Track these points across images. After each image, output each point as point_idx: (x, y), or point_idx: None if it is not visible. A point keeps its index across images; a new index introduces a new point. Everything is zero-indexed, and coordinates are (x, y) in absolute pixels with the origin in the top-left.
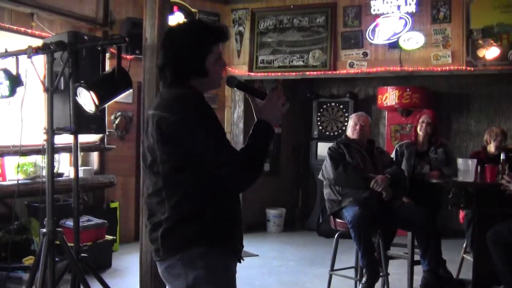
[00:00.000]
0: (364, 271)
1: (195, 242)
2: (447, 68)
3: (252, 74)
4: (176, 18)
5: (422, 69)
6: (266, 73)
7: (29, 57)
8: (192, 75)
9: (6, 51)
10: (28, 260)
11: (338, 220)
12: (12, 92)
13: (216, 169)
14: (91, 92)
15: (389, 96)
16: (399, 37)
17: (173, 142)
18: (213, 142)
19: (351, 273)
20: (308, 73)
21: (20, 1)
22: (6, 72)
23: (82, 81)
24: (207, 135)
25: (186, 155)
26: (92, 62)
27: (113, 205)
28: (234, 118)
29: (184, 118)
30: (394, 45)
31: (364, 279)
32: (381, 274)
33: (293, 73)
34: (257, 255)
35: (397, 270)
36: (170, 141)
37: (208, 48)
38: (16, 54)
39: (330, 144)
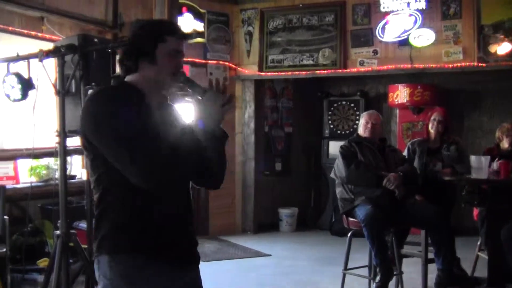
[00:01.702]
0: (377, 270)
1: (101, 248)
2: (458, 64)
3: (262, 73)
4: (185, 19)
5: (433, 66)
6: (276, 73)
7: (40, 60)
8: (141, 58)
9: (17, 55)
10: (43, 262)
11: (350, 219)
12: (24, 95)
13: (120, 166)
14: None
15: (400, 94)
16: (409, 34)
17: (83, 139)
18: (114, 137)
19: (365, 272)
20: (318, 72)
21: (30, 5)
22: (18, 76)
23: (93, 84)
24: (106, 132)
25: (91, 153)
26: (103, 65)
27: None
28: (245, 118)
29: (85, 114)
30: (404, 43)
31: (377, 278)
32: (394, 272)
33: (303, 72)
34: (270, 255)
35: (410, 269)
36: (82, 138)
37: (160, 35)
38: (28, 58)
39: (341, 143)
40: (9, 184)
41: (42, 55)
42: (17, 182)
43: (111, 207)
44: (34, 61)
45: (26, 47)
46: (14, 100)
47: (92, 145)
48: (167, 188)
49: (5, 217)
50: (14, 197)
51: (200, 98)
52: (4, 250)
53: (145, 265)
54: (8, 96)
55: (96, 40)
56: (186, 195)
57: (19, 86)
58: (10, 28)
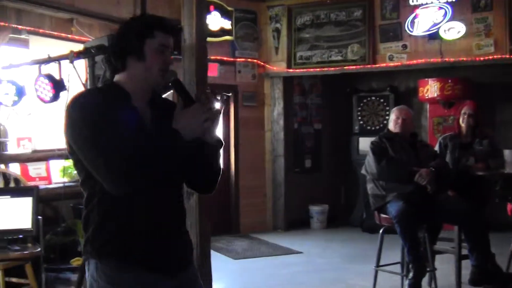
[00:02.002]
0: (410, 266)
1: (87, 252)
2: (490, 57)
3: (291, 70)
4: (213, 17)
5: (464, 59)
6: (304, 69)
7: (71, 61)
8: (129, 55)
9: (48, 56)
10: (76, 261)
11: (382, 215)
12: (56, 96)
13: (93, 170)
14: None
15: (430, 88)
16: (439, 27)
17: (66, 143)
18: (87, 142)
19: (397, 268)
20: (347, 67)
21: (60, 8)
22: (50, 77)
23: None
24: (81, 139)
25: (74, 157)
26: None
27: None
28: (274, 115)
29: (65, 119)
30: (434, 36)
31: (410, 275)
32: (428, 269)
33: (332, 68)
34: (301, 252)
35: (444, 265)
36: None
37: (148, 31)
38: (58, 59)
39: (371, 139)
40: (42, 185)
41: (73, 56)
42: (50, 183)
43: (95, 210)
44: (64, 63)
45: (57, 49)
46: (46, 101)
47: (73, 149)
48: (150, 194)
49: (39, 217)
50: (47, 197)
51: (183, 106)
52: (39, 249)
53: (127, 270)
54: (40, 97)
55: None
56: (175, 198)
57: (51, 87)
58: (40, 30)
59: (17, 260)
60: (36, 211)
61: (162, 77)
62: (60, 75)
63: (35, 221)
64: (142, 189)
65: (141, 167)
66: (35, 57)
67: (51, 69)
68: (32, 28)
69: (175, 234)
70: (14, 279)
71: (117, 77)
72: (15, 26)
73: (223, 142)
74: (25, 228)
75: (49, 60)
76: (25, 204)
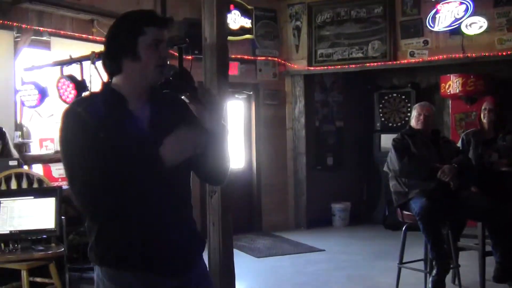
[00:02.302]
0: (434, 263)
1: (91, 257)
2: None
3: (312, 68)
4: (233, 16)
5: (486, 54)
6: (325, 67)
7: (93, 62)
8: (124, 57)
9: (70, 57)
10: None
11: (405, 212)
12: (78, 97)
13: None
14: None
15: (452, 84)
16: (461, 22)
17: None
18: (63, 159)
19: (420, 265)
20: (368, 64)
21: (81, 9)
22: (72, 78)
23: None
24: (65, 151)
25: None
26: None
27: None
28: (295, 113)
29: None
30: (456, 32)
31: (434, 272)
32: (451, 266)
33: (353, 66)
34: (324, 250)
35: (468, 262)
36: None
37: (139, 28)
38: (80, 60)
39: (393, 136)
40: (65, 185)
41: (94, 57)
42: None
43: (93, 224)
44: (86, 63)
45: (78, 50)
46: (68, 102)
47: None
48: (149, 200)
49: (62, 217)
50: (70, 197)
51: (193, 97)
52: (62, 249)
53: (128, 273)
54: (62, 98)
55: None
56: (177, 200)
57: (73, 88)
58: (62, 32)
59: (41, 260)
60: (59, 212)
61: (160, 73)
62: (82, 76)
63: (58, 221)
64: (140, 196)
65: (107, 198)
66: (57, 58)
67: (73, 70)
68: (53, 30)
69: (177, 236)
70: (38, 279)
71: (114, 80)
72: (37, 28)
73: (228, 129)
74: (48, 228)
75: (71, 61)
76: (49, 205)
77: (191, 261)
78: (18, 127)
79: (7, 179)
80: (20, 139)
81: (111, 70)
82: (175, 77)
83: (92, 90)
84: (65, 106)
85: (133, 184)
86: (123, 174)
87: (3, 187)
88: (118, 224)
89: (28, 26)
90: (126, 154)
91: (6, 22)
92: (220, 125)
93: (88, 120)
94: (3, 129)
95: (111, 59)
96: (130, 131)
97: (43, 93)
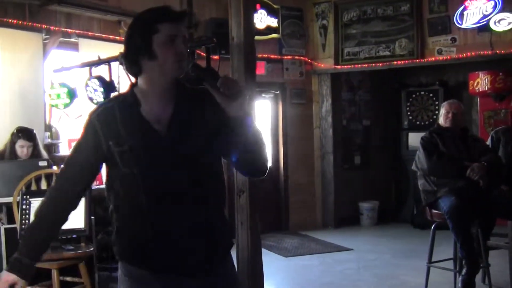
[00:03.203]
0: (463, 262)
1: (115, 253)
2: None
3: (338, 67)
4: (259, 16)
5: None
6: (352, 65)
7: (121, 63)
8: (141, 58)
9: (99, 58)
10: None
11: (434, 211)
12: (107, 98)
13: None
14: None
15: (481, 82)
16: (489, 19)
17: None
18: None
19: (450, 265)
20: (395, 62)
21: (108, 10)
22: (100, 79)
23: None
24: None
25: None
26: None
27: None
28: (322, 112)
29: None
30: (484, 28)
31: (464, 271)
32: (481, 265)
33: (380, 64)
34: (352, 249)
35: (498, 261)
36: None
37: (152, 27)
38: (109, 61)
39: (421, 134)
40: (94, 185)
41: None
42: (101, 183)
43: (113, 217)
44: (114, 64)
45: (105, 51)
46: (97, 103)
47: None
48: (165, 200)
49: (92, 217)
50: (98, 197)
51: (212, 85)
52: (92, 249)
53: (144, 271)
54: (91, 99)
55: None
56: (194, 201)
57: (102, 89)
58: (90, 33)
59: (71, 259)
60: (88, 211)
61: (179, 68)
62: (110, 77)
63: (88, 221)
64: (152, 200)
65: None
66: (85, 59)
67: (101, 71)
68: (81, 31)
69: (195, 237)
70: (68, 278)
71: (139, 81)
72: (65, 29)
73: (250, 114)
74: (78, 228)
75: (99, 62)
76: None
77: (211, 263)
78: (47, 128)
79: (37, 180)
80: (49, 140)
81: (132, 72)
82: (194, 68)
83: (117, 93)
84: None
85: (142, 187)
86: (133, 184)
87: (33, 187)
88: (133, 221)
89: (57, 28)
90: (137, 160)
91: (35, 24)
92: (244, 111)
93: (97, 128)
94: (34, 131)
95: (129, 61)
96: (142, 134)
97: (72, 94)
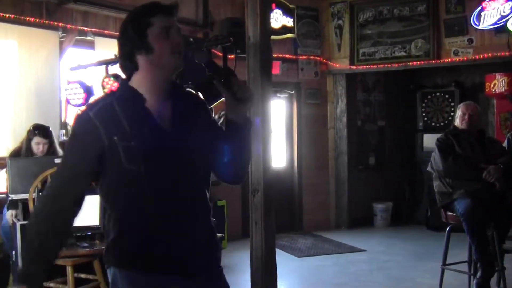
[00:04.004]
0: (478, 265)
1: (110, 261)
2: None
3: (354, 67)
4: (275, 15)
5: None
6: (367, 66)
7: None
8: (137, 53)
9: (115, 56)
10: None
11: (449, 213)
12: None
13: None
14: (199, 92)
15: (498, 83)
16: (507, 20)
17: None
18: (63, 160)
19: (464, 267)
20: (410, 63)
21: (124, 9)
22: (116, 77)
23: (189, 82)
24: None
25: None
26: (198, 63)
27: (220, 203)
28: (337, 112)
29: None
30: (502, 29)
31: (478, 274)
32: (496, 268)
33: (395, 65)
34: (365, 250)
35: None
36: None
37: (145, 21)
38: None
39: (436, 136)
40: None
41: None
42: None
43: (112, 220)
44: None
45: None
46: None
47: None
48: (167, 202)
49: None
50: None
51: (226, 81)
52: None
53: (147, 274)
54: None
55: (191, 39)
56: (194, 202)
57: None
58: (105, 31)
59: (85, 256)
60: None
61: (178, 59)
62: None
63: (102, 218)
64: (157, 200)
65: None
66: (101, 58)
67: (118, 69)
68: (97, 30)
69: (196, 237)
70: (82, 275)
71: (133, 78)
72: (81, 28)
73: (251, 121)
74: (93, 225)
75: (115, 60)
76: (93, 202)
77: (209, 264)
78: (63, 125)
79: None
80: (64, 137)
81: (128, 69)
82: (210, 65)
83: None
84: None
85: (148, 186)
86: (139, 181)
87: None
88: (138, 226)
89: (73, 26)
90: (143, 155)
91: (51, 22)
92: (245, 118)
93: (97, 125)
94: (50, 129)
95: (125, 58)
96: (149, 130)
97: (88, 92)
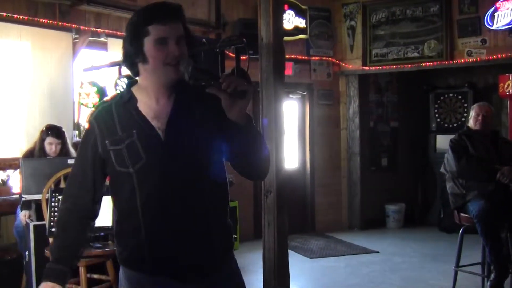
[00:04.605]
0: (491, 267)
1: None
2: None
3: (366, 68)
4: (287, 16)
5: None
6: (380, 67)
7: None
8: (136, 60)
9: None
10: None
11: (462, 214)
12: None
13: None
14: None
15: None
16: None
17: None
18: (73, 164)
19: (478, 269)
20: (423, 64)
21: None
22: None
23: (202, 84)
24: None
25: None
26: (211, 64)
27: (232, 204)
28: (349, 113)
29: None
30: None
31: (492, 276)
32: (510, 270)
33: (408, 65)
34: (378, 252)
35: None
36: None
37: (142, 29)
38: None
39: (449, 137)
40: None
41: None
42: None
43: (114, 220)
44: None
45: None
46: None
47: None
48: (163, 203)
49: None
50: None
51: (215, 86)
52: None
53: (141, 273)
54: None
55: (204, 40)
56: (194, 203)
57: None
58: (118, 32)
59: (98, 257)
60: None
61: (173, 71)
62: None
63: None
64: (147, 200)
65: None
66: (114, 59)
67: None
68: (110, 31)
69: (192, 241)
70: (95, 275)
71: (138, 79)
72: (94, 29)
73: (251, 117)
74: (106, 226)
75: None
76: (106, 203)
77: (206, 268)
78: (76, 126)
79: (66, 177)
80: (77, 138)
81: (132, 73)
82: (194, 70)
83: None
84: None
85: (138, 186)
86: (129, 183)
87: (62, 185)
88: (131, 226)
89: (86, 28)
90: (133, 158)
91: (65, 23)
92: (245, 116)
93: (95, 129)
94: (62, 129)
95: (127, 63)
96: (139, 131)
97: (101, 93)
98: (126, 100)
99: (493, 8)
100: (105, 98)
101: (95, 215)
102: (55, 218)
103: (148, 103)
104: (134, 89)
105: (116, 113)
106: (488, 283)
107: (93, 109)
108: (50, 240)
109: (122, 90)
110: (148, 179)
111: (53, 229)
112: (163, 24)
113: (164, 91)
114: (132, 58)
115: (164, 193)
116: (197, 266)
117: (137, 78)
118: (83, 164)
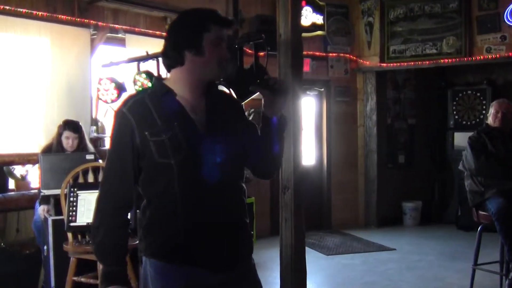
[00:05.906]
0: (510, 266)
1: (141, 250)
2: None
3: (384, 65)
4: (305, 13)
5: None
6: (398, 63)
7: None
8: (187, 50)
9: (147, 54)
10: None
11: (481, 212)
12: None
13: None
14: (231, 89)
15: None
16: None
17: None
18: (108, 157)
19: (496, 268)
20: (442, 61)
21: (154, 6)
22: (149, 74)
23: (221, 79)
24: (109, 149)
25: None
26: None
27: (249, 200)
28: (366, 110)
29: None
30: None
31: (510, 275)
32: None
33: (426, 62)
34: (394, 249)
35: None
36: None
37: (205, 24)
38: (157, 56)
39: (467, 134)
40: None
41: None
42: None
43: (142, 212)
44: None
45: (151, 47)
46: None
47: None
48: (197, 196)
49: (137, 210)
50: None
51: (264, 83)
52: (137, 242)
53: (172, 265)
54: None
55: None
56: (225, 195)
57: (150, 84)
58: (136, 29)
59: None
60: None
61: (221, 71)
62: (158, 72)
63: (133, 214)
64: (186, 191)
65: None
66: (131, 55)
67: (149, 66)
68: (128, 27)
69: (223, 232)
70: None
71: (172, 73)
72: (112, 25)
73: (286, 118)
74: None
75: (147, 57)
76: None
77: (236, 259)
78: (94, 122)
79: (84, 172)
80: (95, 133)
81: (172, 62)
82: (247, 70)
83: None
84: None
85: (178, 178)
86: (169, 173)
87: (81, 180)
88: (166, 216)
89: (104, 24)
90: (175, 149)
91: (83, 20)
92: (281, 114)
93: (131, 120)
94: (79, 123)
95: (174, 51)
96: (180, 122)
97: (120, 89)
98: (164, 92)
99: None
100: (126, 94)
101: (132, 206)
102: (92, 219)
103: (185, 97)
104: (167, 83)
105: (151, 105)
106: (507, 282)
107: (121, 103)
108: (69, 234)
109: (141, 85)
110: (188, 170)
111: (95, 230)
112: (223, 28)
113: (202, 87)
114: (183, 47)
115: (203, 184)
116: (228, 256)
117: (171, 71)
118: (121, 154)
